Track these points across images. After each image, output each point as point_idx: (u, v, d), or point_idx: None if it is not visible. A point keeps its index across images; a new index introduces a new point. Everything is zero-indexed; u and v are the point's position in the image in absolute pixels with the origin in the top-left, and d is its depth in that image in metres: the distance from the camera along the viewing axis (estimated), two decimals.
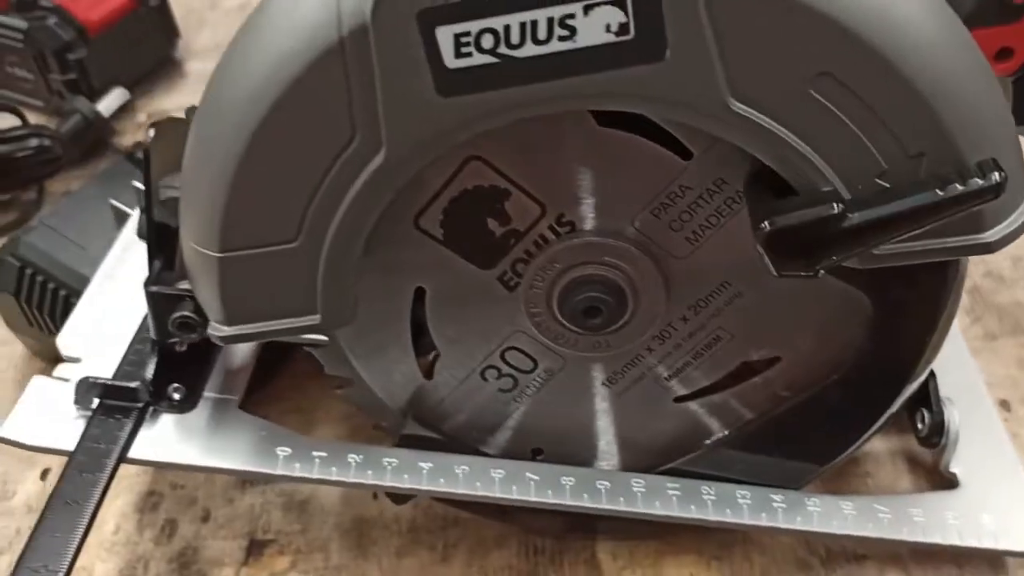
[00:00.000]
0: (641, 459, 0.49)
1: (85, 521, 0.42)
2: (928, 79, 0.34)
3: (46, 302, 0.59)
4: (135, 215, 0.59)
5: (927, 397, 0.51)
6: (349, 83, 0.34)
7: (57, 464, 0.60)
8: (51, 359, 0.66)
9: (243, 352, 0.52)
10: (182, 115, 0.86)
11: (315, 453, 0.46)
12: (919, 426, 0.51)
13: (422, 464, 0.47)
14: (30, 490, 0.58)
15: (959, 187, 0.34)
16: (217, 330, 0.42)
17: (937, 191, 0.35)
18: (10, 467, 0.60)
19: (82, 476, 0.44)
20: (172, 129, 0.50)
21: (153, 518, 0.56)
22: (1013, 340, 0.61)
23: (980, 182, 0.34)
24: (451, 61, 0.33)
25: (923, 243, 0.37)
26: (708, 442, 0.49)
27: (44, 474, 0.59)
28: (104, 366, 0.49)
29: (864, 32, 0.33)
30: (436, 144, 0.36)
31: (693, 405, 0.47)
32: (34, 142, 0.76)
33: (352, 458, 0.46)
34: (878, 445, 0.55)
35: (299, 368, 0.61)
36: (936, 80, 0.34)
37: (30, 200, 0.79)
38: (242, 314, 0.41)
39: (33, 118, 0.83)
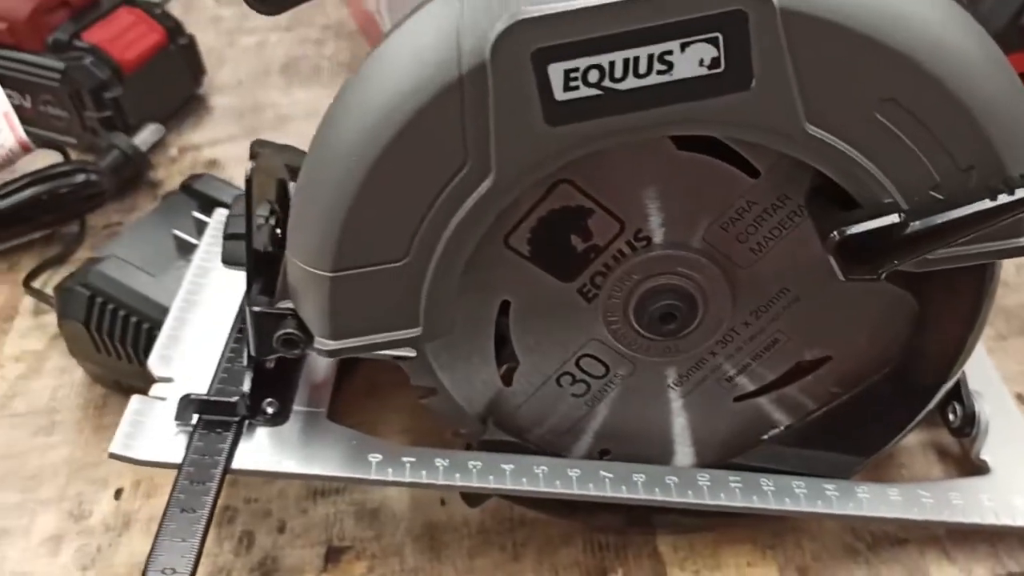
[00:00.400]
0: (705, 455, 0.53)
1: (202, 527, 0.45)
2: (978, 100, 0.38)
3: (116, 329, 0.62)
4: (203, 243, 0.62)
5: (957, 391, 0.55)
6: (464, 115, 0.38)
7: (130, 484, 0.63)
8: (112, 384, 0.69)
9: (324, 367, 0.56)
10: (211, 149, 0.90)
11: (405, 459, 0.50)
12: (951, 418, 0.56)
13: (504, 466, 0.50)
14: (105, 510, 0.61)
15: (1007, 196, 0.39)
16: (323, 345, 0.45)
17: (988, 200, 0.39)
18: (84, 489, 0.62)
19: (193, 486, 0.47)
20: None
21: (230, 531, 0.59)
22: (1022, 339, 0.66)
23: (1022, 192, 0.39)
24: (560, 94, 0.37)
25: (970, 248, 0.42)
26: (765, 437, 0.53)
27: (118, 494, 0.62)
28: (197, 384, 0.52)
29: (923, 61, 0.37)
30: (540, 168, 0.40)
31: (752, 403, 0.52)
32: (80, 177, 0.78)
33: (439, 462, 0.50)
34: (909, 438, 0.59)
35: (356, 386, 0.65)
36: (985, 101, 0.38)
37: (71, 234, 0.82)
38: (348, 329, 0.44)
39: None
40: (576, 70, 0.37)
